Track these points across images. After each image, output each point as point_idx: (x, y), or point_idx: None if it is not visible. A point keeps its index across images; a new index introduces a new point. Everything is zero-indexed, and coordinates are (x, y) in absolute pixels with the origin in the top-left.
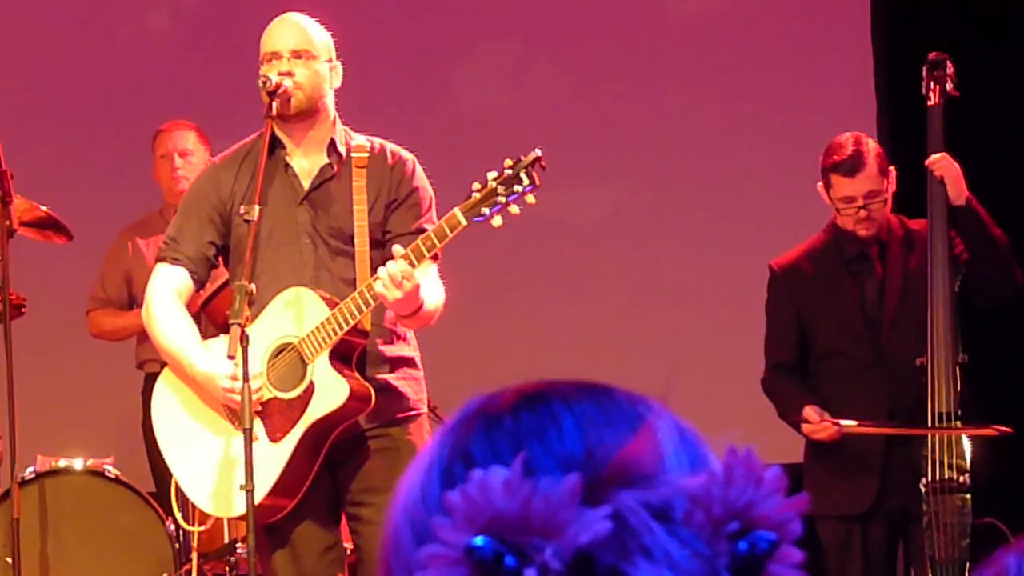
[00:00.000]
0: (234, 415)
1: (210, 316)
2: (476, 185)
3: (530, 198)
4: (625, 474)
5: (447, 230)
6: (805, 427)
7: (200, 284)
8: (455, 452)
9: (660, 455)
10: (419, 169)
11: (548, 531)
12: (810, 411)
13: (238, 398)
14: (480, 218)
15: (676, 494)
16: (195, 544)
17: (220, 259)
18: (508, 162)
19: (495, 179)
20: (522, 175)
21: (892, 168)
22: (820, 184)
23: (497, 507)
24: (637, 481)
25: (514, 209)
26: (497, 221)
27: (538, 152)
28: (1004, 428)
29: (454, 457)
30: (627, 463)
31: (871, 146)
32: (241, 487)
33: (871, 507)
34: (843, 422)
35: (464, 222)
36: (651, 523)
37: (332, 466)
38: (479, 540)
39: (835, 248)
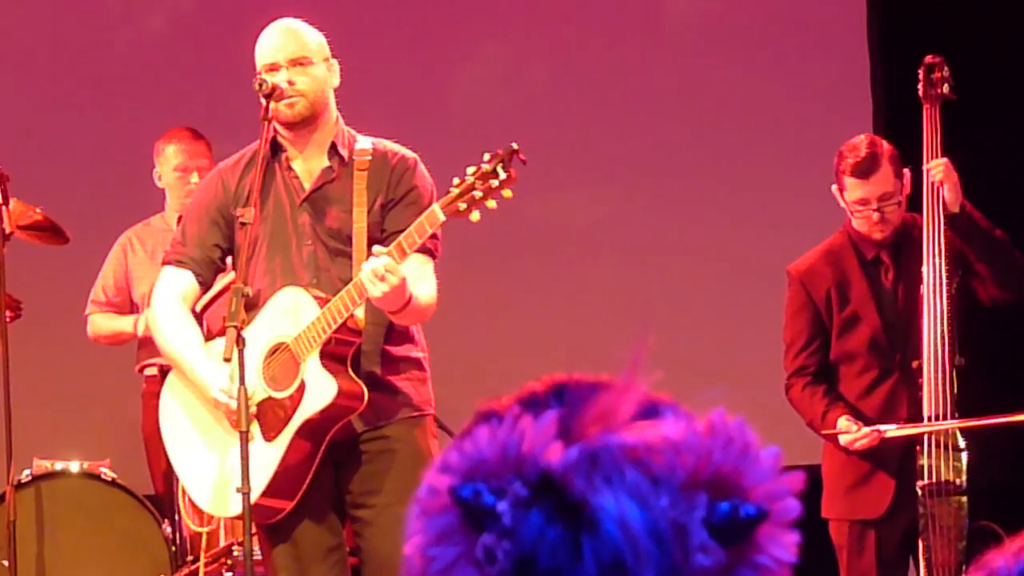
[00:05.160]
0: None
1: (210, 321)
2: (455, 180)
3: (507, 192)
4: (602, 418)
5: (426, 226)
6: (843, 438)
7: (206, 287)
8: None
9: (638, 406)
10: (421, 168)
11: (521, 466)
12: (845, 422)
13: (232, 404)
14: (458, 213)
15: (652, 438)
16: (203, 545)
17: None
18: (486, 156)
19: (473, 174)
20: (499, 169)
21: (907, 170)
22: (834, 186)
23: (483, 453)
24: (614, 424)
25: (491, 203)
26: (475, 216)
27: (514, 145)
28: None
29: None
30: (604, 410)
31: (886, 148)
32: (237, 489)
33: (886, 512)
34: (883, 427)
35: (442, 217)
36: (623, 461)
37: (336, 467)
38: (461, 484)
39: (852, 251)
